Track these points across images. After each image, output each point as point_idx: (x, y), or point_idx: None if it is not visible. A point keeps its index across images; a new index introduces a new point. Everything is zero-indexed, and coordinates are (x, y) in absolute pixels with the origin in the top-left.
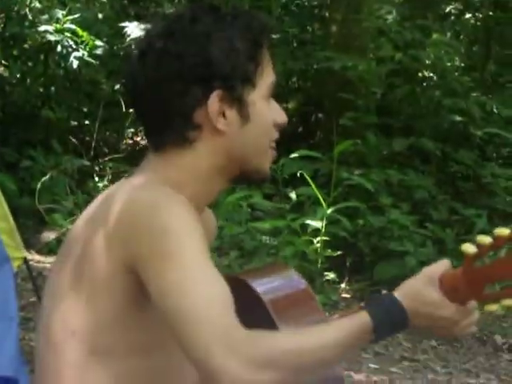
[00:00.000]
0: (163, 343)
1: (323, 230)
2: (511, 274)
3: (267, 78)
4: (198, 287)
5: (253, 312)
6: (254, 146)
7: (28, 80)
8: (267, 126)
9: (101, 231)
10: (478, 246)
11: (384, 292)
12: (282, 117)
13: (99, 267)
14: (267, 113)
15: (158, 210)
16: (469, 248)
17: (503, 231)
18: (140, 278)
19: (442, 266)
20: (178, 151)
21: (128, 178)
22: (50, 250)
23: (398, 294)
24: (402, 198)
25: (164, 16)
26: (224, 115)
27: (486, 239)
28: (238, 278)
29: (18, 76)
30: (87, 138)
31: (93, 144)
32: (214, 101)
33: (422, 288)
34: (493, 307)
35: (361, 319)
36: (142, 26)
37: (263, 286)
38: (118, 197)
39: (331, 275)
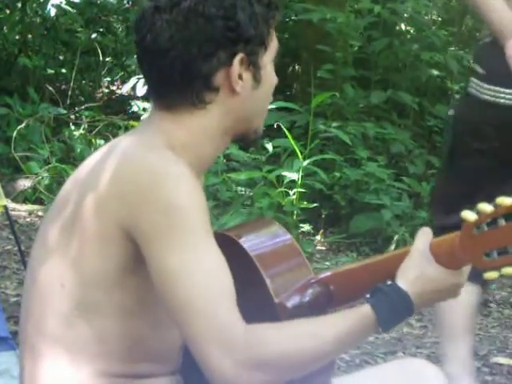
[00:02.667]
0: (148, 309)
1: (299, 181)
2: (510, 243)
3: (274, 41)
4: (200, 278)
5: (241, 269)
6: (260, 107)
7: (5, 27)
8: (271, 88)
9: (97, 191)
10: (478, 213)
11: (389, 282)
12: (276, 78)
13: (91, 226)
14: (272, 75)
15: (166, 181)
16: (469, 215)
17: (504, 200)
18: (136, 247)
19: (427, 236)
20: (190, 111)
21: (131, 134)
22: (26, 198)
23: (403, 281)
24: (379, 151)
25: None
26: (241, 78)
27: (487, 207)
28: (225, 235)
29: None
30: (63, 87)
31: (69, 92)
32: (236, 64)
33: (422, 267)
34: (493, 275)
35: (365, 319)
36: None
37: (250, 241)
38: (121, 154)
39: (307, 227)
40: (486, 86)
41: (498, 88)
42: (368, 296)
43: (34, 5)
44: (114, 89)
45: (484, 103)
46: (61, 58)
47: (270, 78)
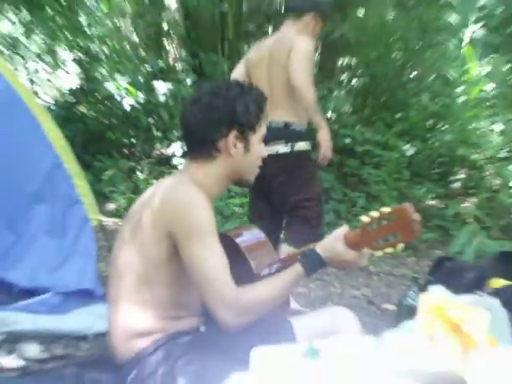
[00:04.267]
0: (182, 280)
1: None
2: (389, 234)
3: (262, 130)
4: (209, 261)
5: (235, 254)
6: (248, 167)
7: (101, 117)
8: (257, 157)
9: (152, 209)
10: (370, 217)
11: (311, 247)
12: (264, 152)
13: (148, 230)
14: (259, 149)
15: (192, 205)
16: (365, 218)
17: (385, 209)
18: (175, 243)
19: (344, 229)
20: (205, 162)
21: (173, 175)
22: (112, 214)
23: (319, 249)
24: None
25: (208, 84)
26: (235, 146)
27: (374, 213)
28: (226, 235)
29: (94, 114)
30: (132, 149)
31: (137, 153)
32: (231, 137)
33: (333, 243)
34: (379, 253)
35: (297, 272)
36: (168, 86)
37: (240, 238)
38: (166, 187)
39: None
40: None
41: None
42: (299, 257)
43: (116, 102)
44: (163, 151)
45: None
46: (131, 133)
47: (256, 150)
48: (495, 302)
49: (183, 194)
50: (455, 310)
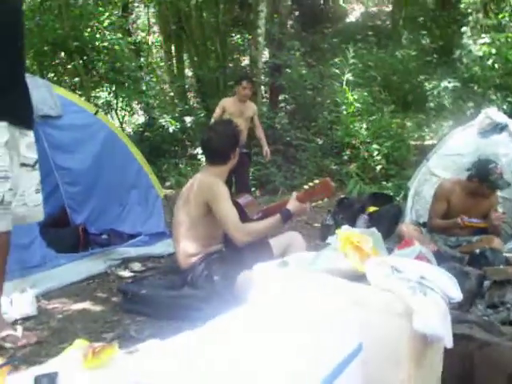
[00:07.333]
0: (215, 224)
1: None
2: (318, 193)
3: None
4: (229, 211)
5: (238, 208)
6: (233, 165)
7: (157, 137)
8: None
9: (193, 190)
10: (309, 185)
11: (285, 208)
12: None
13: (192, 201)
14: (236, 156)
15: (215, 185)
16: (305, 186)
17: (316, 181)
18: (209, 206)
19: (295, 193)
20: (220, 165)
21: (201, 172)
22: (169, 187)
23: (288, 206)
24: None
25: (216, 121)
26: (235, 156)
27: (311, 184)
28: (233, 199)
29: (153, 136)
30: (175, 152)
31: (178, 154)
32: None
33: (294, 203)
34: (314, 203)
35: (278, 218)
36: (190, 118)
37: (240, 200)
38: (199, 178)
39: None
40: None
41: None
42: (279, 212)
43: (161, 129)
44: (191, 152)
45: None
46: (175, 144)
47: (236, 157)
48: (375, 230)
49: (211, 180)
50: (356, 237)
